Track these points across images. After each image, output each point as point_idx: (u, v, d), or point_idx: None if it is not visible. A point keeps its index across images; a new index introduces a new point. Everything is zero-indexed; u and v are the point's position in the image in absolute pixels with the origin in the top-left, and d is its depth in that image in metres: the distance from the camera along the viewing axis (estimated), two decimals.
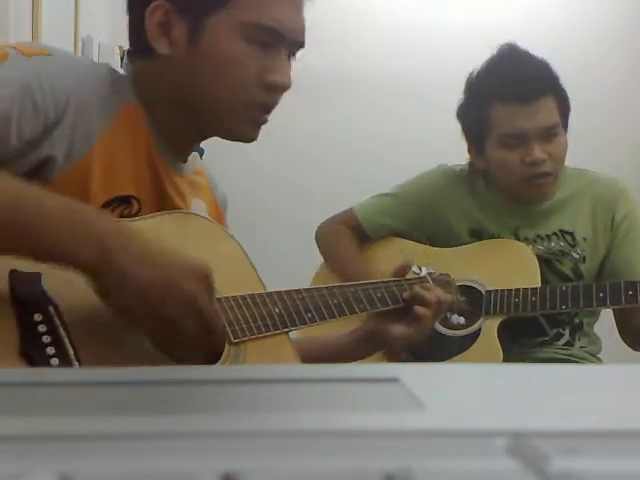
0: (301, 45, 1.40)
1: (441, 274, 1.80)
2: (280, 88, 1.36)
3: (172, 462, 0.41)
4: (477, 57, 2.17)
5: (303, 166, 4.02)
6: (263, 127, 1.40)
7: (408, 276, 1.69)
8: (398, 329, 1.61)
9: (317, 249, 2.34)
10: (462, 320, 1.89)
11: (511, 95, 2.07)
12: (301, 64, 1.40)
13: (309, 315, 1.45)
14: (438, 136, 3.86)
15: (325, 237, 2.33)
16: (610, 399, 0.58)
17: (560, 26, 4.04)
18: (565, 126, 2.14)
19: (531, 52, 2.14)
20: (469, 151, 2.21)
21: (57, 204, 1.14)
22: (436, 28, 4.04)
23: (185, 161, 1.45)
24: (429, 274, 1.74)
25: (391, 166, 3.34)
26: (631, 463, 0.41)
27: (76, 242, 1.11)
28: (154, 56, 1.35)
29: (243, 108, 1.35)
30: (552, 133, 2.10)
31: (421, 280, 1.70)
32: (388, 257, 2.11)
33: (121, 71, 1.44)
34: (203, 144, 1.49)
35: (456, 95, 2.21)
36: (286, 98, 1.38)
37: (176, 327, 1.18)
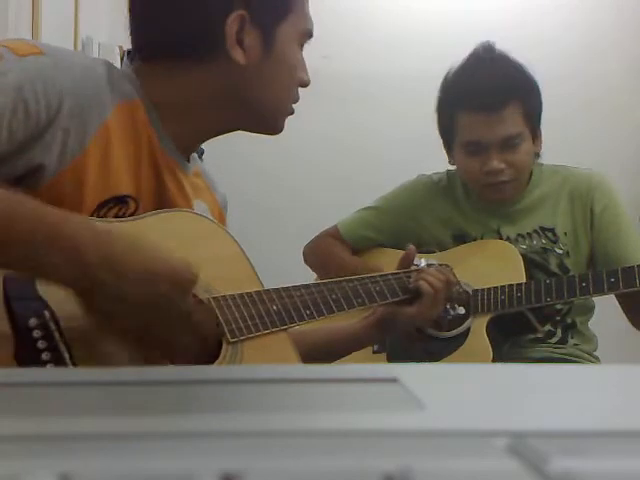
0: None
1: (440, 264, 1.84)
2: (307, 85, 1.46)
3: (172, 462, 0.41)
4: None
5: (303, 167, 4.01)
6: None
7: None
8: (409, 311, 1.70)
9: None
10: (462, 310, 1.90)
11: (474, 105, 2.11)
12: None
13: (307, 312, 1.46)
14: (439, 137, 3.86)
15: (315, 249, 2.35)
16: (610, 399, 0.58)
17: (560, 25, 4.04)
18: (533, 130, 2.14)
19: (506, 54, 2.14)
20: (444, 147, 2.25)
21: (36, 215, 1.11)
22: (437, 27, 4.04)
23: (189, 160, 1.44)
24: (428, 265, 1.79)
25: (392, 167, 3.33)
26: (631, 463, 0.41)
27: (54, 257, 1.08)
28: (199, 59, 1.35)
29: (287, 104, 1.44)
30: (514, 143, 2.12)
31: (420, 271, 1.74)
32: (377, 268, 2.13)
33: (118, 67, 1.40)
34: (203, 145, 1.50)
35: None
36: None
37: (161, 331, 1.16)
